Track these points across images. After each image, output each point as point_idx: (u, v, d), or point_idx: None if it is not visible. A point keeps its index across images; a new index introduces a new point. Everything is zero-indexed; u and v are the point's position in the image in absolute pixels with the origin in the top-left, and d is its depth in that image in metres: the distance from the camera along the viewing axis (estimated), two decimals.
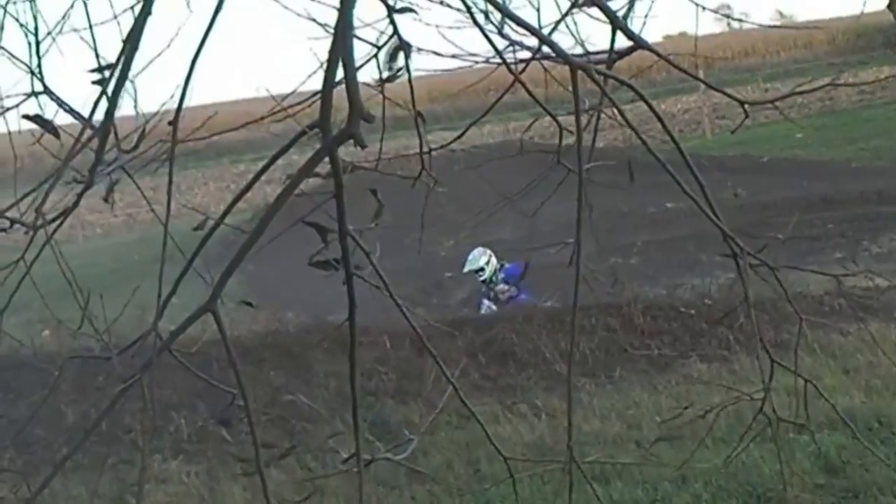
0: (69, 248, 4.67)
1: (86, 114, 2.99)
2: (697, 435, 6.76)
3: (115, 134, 3.07)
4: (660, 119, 3.26)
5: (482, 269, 14.52)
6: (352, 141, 2.57)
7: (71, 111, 2.88)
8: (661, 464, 7.89)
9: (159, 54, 3.44)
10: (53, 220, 3.18)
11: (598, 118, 4.63)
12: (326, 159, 2.65)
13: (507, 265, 14.46)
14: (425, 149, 4.09)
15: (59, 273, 4.59)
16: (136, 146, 3.18)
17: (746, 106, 3.72)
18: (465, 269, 14.78)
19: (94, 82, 3.05)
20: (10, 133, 3.45)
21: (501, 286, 14.30)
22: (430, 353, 3.27)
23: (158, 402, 10.06)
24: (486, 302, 14.25)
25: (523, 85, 3.62)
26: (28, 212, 3.01)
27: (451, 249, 19.14)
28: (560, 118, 3.97)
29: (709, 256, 15.51)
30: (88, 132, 3.02)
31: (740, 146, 28.44)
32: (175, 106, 2.99)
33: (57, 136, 2.97)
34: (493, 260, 14.50)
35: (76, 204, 3.24)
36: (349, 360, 3.04)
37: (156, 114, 3.31)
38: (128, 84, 2.96)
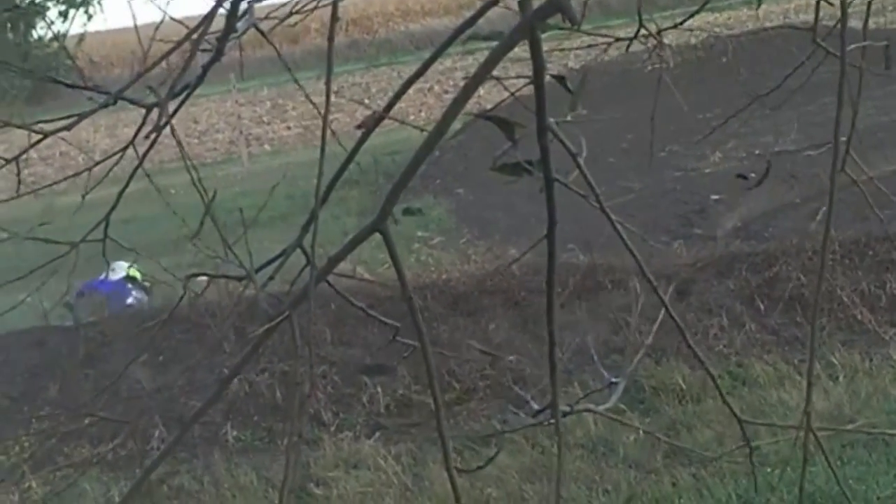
0: (231, 168, 4.60)
1: None
2: None
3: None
4: None
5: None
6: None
7: None
8: None
9: None
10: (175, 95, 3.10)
11: None
12: None
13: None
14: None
15: (217, 202, 4.53)
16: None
17: None
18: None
19: None
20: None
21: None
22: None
23: (346, 364, 10.03)
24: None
25: None
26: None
27: (718, 164, 18.59)
28: None
29: None
30: None
31: None
32: None
33: None
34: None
35: (201, 78, 3.22)
36: (547, 285, 2.95)
37: None
38: None
